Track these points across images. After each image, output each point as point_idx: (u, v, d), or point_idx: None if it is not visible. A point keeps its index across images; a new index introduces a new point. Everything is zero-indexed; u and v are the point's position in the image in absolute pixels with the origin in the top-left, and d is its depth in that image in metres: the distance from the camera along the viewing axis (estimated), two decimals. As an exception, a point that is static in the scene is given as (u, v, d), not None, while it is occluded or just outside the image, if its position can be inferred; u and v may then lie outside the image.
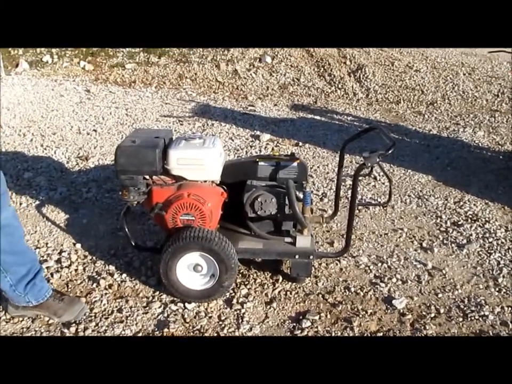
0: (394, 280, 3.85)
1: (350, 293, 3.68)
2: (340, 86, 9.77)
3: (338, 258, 4.09)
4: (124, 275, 3.79)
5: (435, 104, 9.01)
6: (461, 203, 5.27)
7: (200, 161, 3.43)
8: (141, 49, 11.00)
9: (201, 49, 10.98)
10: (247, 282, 3.75)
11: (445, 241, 4.48)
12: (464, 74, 10.00)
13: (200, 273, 3.42)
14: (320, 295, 3.64)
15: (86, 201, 5.00)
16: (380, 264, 4.06)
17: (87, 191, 5.21)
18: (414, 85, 9.64)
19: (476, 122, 8.16)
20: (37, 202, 4.95)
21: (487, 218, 4.91)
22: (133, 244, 3.62)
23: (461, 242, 4.45)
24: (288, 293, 3.65)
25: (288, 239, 3.62)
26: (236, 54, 10.77)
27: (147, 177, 3.53)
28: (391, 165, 6.29)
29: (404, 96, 9.34)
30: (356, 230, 4.63)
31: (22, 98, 8.50)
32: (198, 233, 3.29)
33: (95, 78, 10.12)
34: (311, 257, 3.56)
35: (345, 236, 3.55)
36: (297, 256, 3.55)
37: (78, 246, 4.19)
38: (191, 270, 3.41)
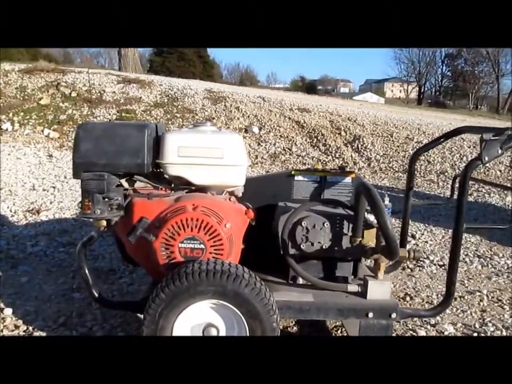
0: (509, 358, 2.43)
1: (454, 379, 2.24)
2: (337, 155, 8.77)
3: (411, 327, 2.71)
4: (78, 353, 2.27)
5: (446, 174, 8.05)
6: (535, 263, 4.01)
7: (217, 152, 2.10)
8: (115, 117, 9.92)
9: (184, 113, 10.00)
10: (284, 363, 2.28)
11: (545, 306, 3.15)
12: (468, 147, 9.19)
13: (213, 342, 1.96)
14: (410, 382, 2.19)
15: (30, 257, 3.52)
16: (475, 336, 2.67)
17: (33, 244, 3.74)
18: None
19: (498, 190, 7.14)
20: (-42, 257, 3.44)
21: None
22: (96, 295, 2.14)
23: None
24: (357, 378, 2.19)
25: (352, 287, 2.23)
26: (219, 124, 9.78)
27: (124, 183, 2.16)
28: (426, 224, 5.08)
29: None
30: (419, 292, 3.26)
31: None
32: (215, 266, 1.88)
33: (60, 145, 8.89)
34: (393, 315, 2.16)
35: (446, 277, 2.20)
36: (370, 315, 2.14)
37: (8, 311, 2.67)
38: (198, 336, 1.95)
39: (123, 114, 10.02)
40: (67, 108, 10.12)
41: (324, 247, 2.26)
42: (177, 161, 2.08)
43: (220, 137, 2.15)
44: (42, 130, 9.51)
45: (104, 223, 2.11)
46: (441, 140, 2.73)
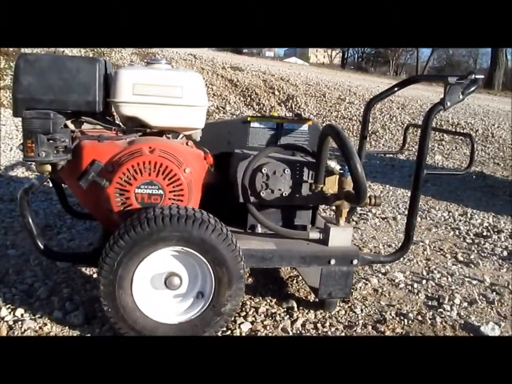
0: (457, 301, 2.54)
1: (410, 321, 2.29)
2: (271, 114, 8.70)
3: (363, 275, 2.75)
4: (20, 310, 2.09)
5: (377, 134, 8.22)
6: (468, 215, 4.23)
7: (176, 91, 1.94)
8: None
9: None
10: (244, 313, 2.22)
11: (482, 254, 3.33)
12: (397, 108, 9.45)
13: (176, 292, 1.85)
14: (370, 327, 2.21)
15: (-49, 213, 3.19)
16: (424, 282, 2.76)
17: (-46, 201, 3.39)
18: (350, 116, 8.85)
19: (451, 135, 7.43)
20: None
21: (509, 229, 3.86)
22: (41, 247, 1.95)
23: (502, 254, 3.31)
24: (320, 325, 2.17)
25: (314, 234, 2.19)
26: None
27: (70, 125, 1.97)
28: (364, 181, 5.16)
29: (343, 126, 8.47)
30: (366, 243, 3.30)
31: None
32: (179, 211, 1.75)
33: (-25, 100, 8.14)
34: (355, 262, 2.14)
35: (406, 221, 2.23)
36: (332, 261, 2.12)
37: None
38: (159, 287, 1.83)
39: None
40: (-19, 59, 9.28)
41: (284, 194, 2.18)
42: (131, 99, 1.90)
43: (179, 74, 1.98)
44: (-46, 83, 8.68)
45: (48, 167, 1.91)
46: (395, 89, 2.71)
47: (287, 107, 8.98)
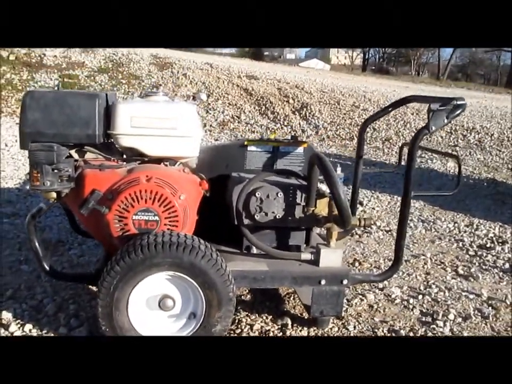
0: (451, 316, 2.61)
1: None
2: (285, 123, 8.82)
3: (360, 291, 2.82)
4: (29, 326, 2.23)
5: (391, 140, 8.26)
6: (474, 226, 4.27)
7: (170, 123, 2.07)
8: (57, 82, 9.51)
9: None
10: (239, 331, 2.33)
11: (483, 266, 3.38)
12: (412, 113, 9.45)
13: (170, 313, 1.96)
14: (360, 344, 2.29)
15: (-28, 229, 3.37)
16: (420, 297, 2.82)
17: (-26, 217, 3.58)
18: (364, 122, 8.87)
19: (440, 156, 7.41)
20: None
21: (514, 241, 3.89)
22: (47, 268, 2.09)
23: (503, 267, 3.35)
24: (311, 342, 2.26)
25: (305, 255, 2.28)
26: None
27: (74, 154, 2.10)
28: (373, 191, 5.23)
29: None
30: (367, 258, 3.38)
31: None
32: (171, 238, 1.87)
33: (-2, 112, 8.44)
34: (345, 282, 2.23)
35: (395, 243, 2.30)
36: (323, 282, 2.21)
37: (-50, 287, 2.57)
38: (154, 308, 1.95)
39: (65, 80, 9.62)
40: (5, 71, 9.61)
41: (277, 216, 2.28)
42: (129, 131, 2.03)
43: (173, 107, 2.11)
44: (-22, 96, 9.01)
45: (54, 194, 2.05)
46: (390, 109, 2.78)
47: (301, 115, 9.07)
